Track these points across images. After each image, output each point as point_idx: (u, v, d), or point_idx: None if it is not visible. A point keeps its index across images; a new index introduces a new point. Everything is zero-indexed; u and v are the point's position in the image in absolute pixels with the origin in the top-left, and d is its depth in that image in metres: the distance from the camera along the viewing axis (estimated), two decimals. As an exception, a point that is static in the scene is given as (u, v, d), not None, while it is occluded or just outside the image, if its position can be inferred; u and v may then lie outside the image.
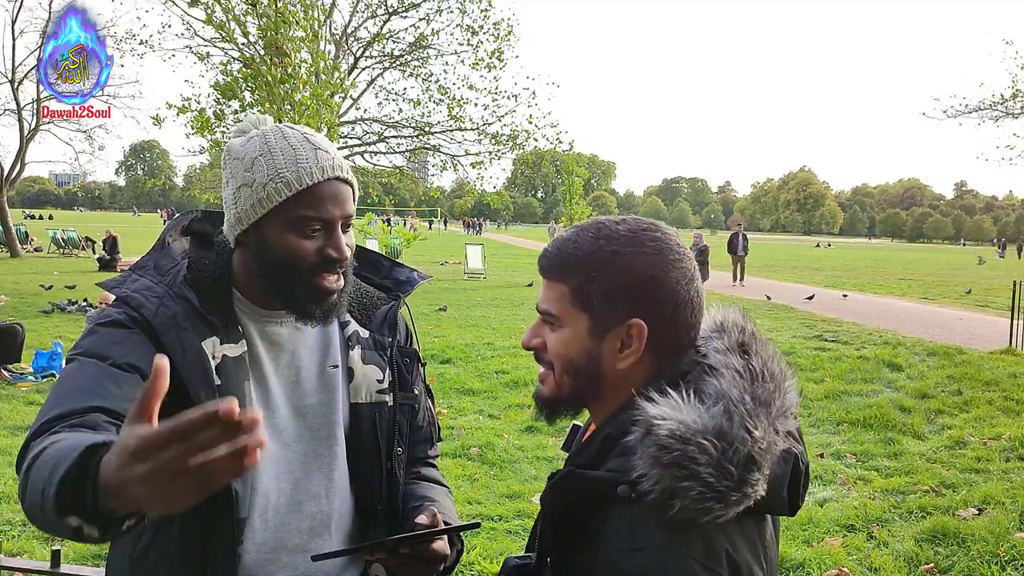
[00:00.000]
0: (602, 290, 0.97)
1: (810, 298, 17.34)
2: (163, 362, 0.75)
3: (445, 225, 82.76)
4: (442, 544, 1.22)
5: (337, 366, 1.37)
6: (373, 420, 1.38)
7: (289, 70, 11.36)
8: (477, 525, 1.24)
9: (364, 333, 1.42)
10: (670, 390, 0.89)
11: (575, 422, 1.15)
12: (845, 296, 18.93)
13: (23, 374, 8.05)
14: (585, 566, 0.90)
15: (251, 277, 1.31)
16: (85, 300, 13.43)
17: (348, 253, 1.27)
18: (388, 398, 1.40)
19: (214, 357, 1.25)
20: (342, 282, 1.29)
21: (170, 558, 1.23)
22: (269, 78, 11.08)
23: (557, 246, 1.04)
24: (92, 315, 8.05)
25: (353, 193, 1.30)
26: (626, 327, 0.97)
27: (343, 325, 1.41)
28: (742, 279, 21.47)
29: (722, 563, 0.85)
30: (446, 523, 1.27)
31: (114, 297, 1.27)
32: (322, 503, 1.33)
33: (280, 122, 1.35)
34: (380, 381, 1.39)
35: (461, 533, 1.34)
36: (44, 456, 0.93)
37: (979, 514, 4.78)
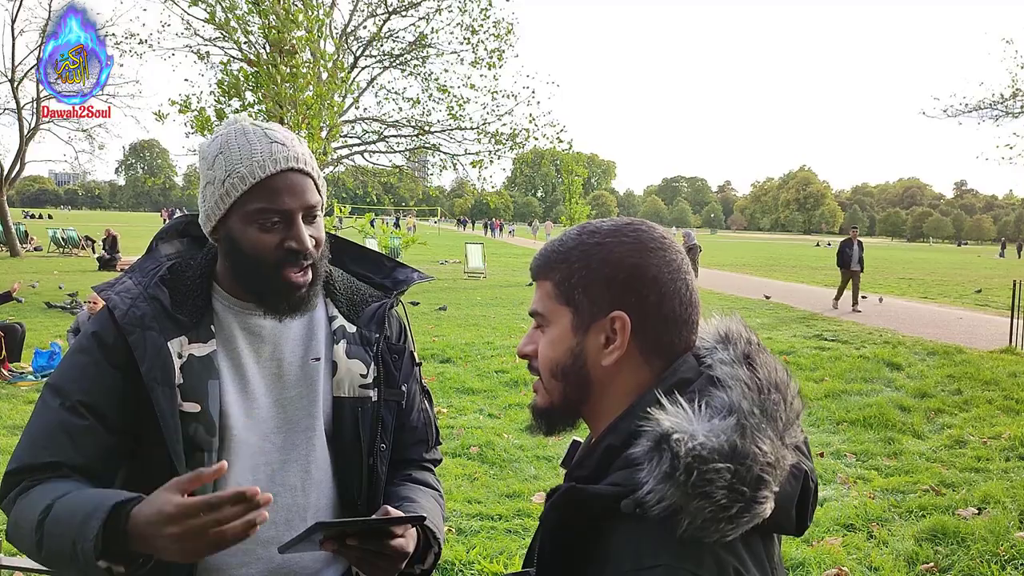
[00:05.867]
0: (583, 282, 0.96)
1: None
2: (222, 466, 1.03)
3: (462, 226, 74.76)
4: (401, 541, 1.19)
5: (319, 359, 1.38)
6: (355, 414, 1.38)
7: (293, 70, 11.35)
8: (423, 518, 1.22)
9: (351, 328, 1.42)
10: (680, 398, 0.86)
11: (575, 438, 1.10)
12: (881, 300, 17.29)
13: (23, 373, 8.05)
14: None
15: (229, 272, 1.34)
16: (70, 298, 13.61)
17: (310, 244, 1.28)
18: (372, 393, 1.39)
19: (180, 356, 1.28)
20: (309, 276, 1.31)
21: None
22: (278, 77, 11.06)
23: (545, 247, 1.03)
24: (83, 316, 8.08)
25: (316, 185, 1.31)
26: (609, 320, 0.94)
27: (330, 320, 1.42)
28: (856, 302, 15.63)
29: None
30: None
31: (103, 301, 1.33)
32: (297, 495, 1.33)
33: (281, 120, 1.37)
34: (364, 376, 1.39)
35: (438, 536, 1.32)
36: (54, 518, 1.11)
37: (979, 513, 4.78)
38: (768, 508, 0.82)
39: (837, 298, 16.16)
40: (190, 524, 0.99)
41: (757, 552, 0.88)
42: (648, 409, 0.86)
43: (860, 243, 16.27)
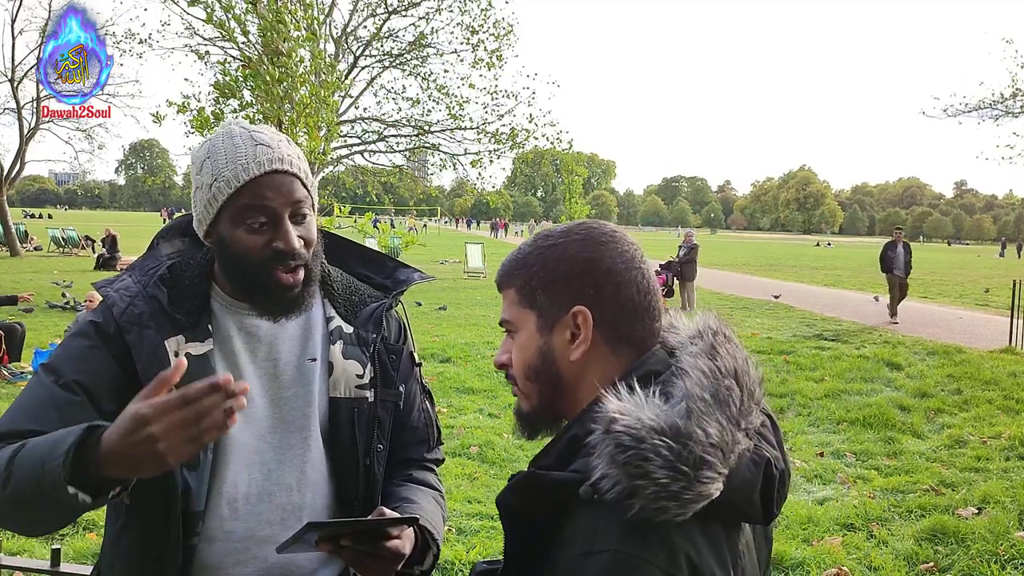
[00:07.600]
0: (542, 283, 0.99)
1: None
2: (180, 362, 1.03)
3: (467, 225, 76.89)
4: (397, 543, 1.19)
5: (315, 359, 1.38)
6: (352, 415, 1.38)
7: (285, 70, 11.35)
8: (415, 519, 1.21)
9: (348, 329, 1.42)
10: (638, 387, 0.88)
11: None
12: (877, 300, 16.57)
13: (23, 373, 8.05)
14: (549, 569, 0.88)
15: (224, 273, 1.35)
16: (65, 297, 13.69)
17: (298, 245, 1.28)
18: (368, 394, 1.39)
19: (176, 355, 1.28)
20: (301, 276, 1.31)
21: (138, 543, 1.28)
22: (268, 78, 11.07)
23: (506, 258, 1.07)
24: (83, 315, 8.09)
25: (304, 185, 1.32)
26: (571, 315, 0.97)
27: (328, 320, 1.42)
28: (894, 311, 13.92)
29: (682, 568, 0.82)
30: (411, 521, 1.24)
31: (99, 298, 1.34)
32: (293, 495, 1.33)
33: (278, 123, 1.37)
34: (360, 376, 1.39)
35: (436, 537, 1.32)
36: (25, 451, 1.10)
37: (979, 513, 4.78)
38: (714, 489, 0.83)
39: (891, 308, 14.07)
40: (169, 419, 0.97)
41: (717, 540, 0.88)
42: (601, 396, 0.88)
43: (907, 245, 14.22)
